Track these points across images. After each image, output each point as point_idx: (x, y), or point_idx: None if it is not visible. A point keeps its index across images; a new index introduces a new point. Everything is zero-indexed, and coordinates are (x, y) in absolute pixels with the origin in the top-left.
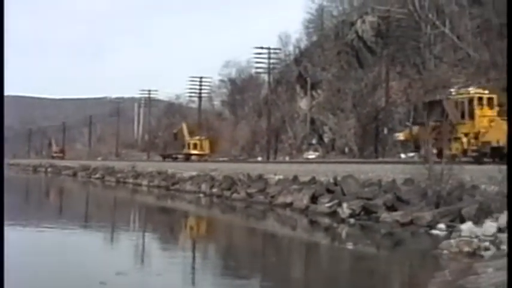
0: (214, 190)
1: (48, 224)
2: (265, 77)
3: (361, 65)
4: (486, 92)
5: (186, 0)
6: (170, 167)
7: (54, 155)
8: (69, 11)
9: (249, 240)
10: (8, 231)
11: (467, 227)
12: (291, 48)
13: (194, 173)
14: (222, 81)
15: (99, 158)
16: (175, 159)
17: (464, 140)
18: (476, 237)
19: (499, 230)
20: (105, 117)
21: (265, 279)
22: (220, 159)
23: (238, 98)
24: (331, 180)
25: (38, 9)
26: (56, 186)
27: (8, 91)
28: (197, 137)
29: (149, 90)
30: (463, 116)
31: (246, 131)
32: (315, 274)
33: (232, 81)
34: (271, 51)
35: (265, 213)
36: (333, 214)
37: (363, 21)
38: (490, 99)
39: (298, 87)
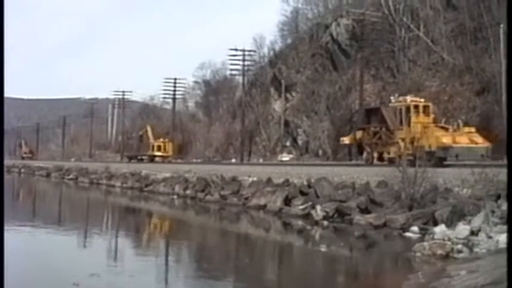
0: (188, 192)
1: (20, 225)
2: (240, 79)
3: (336, 67)
4: (422, 100)
5: (162, 1)
6: (144, 168)
7: (24, 155)
8: (43, 9)
9: (222, 242)
10: None
11: (440, 229)
12: (265, 50)
13: (168, 175)
14: (196, 82)
15: (73, 159)
16: (140, 160)
17: (402, 144)
18: (449, 239)
19: (472, 232)
20: (79, 118)
21: (237, 280)
22: (194, 160)
23: (212, 100)
24: (305, 183)
25: (11, 7)
26: (29, 187)
27: None
28: (161, 140)
29: (123, 91)
30: (401, 123)
31: (220, 132)
32: (287, 275)
33: (206, 82)
34: (246, 53)
35: (238, 215)
36: (306, 216)
37: (338, 24)
38: (425, 107)
39: (272, 90)
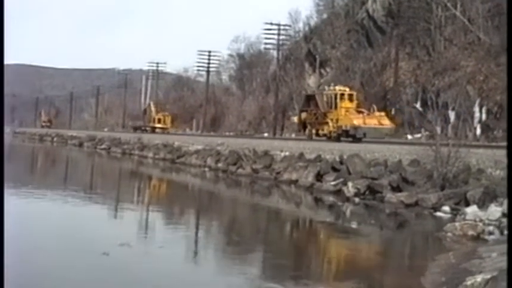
0: (220, 165)
1: (52, 193)
2: (274, 53)
3: (371, 44)
4: (347, 89)
5: None
6: (176, 140)
7: (43, 124)
8: None
9: (252, 216)
10: (10, 199)
11: (472, 210)
12: (300, 25)
13: (200, 147)
14: (230, 55)
15: (106, 129)
16: (144, 131)
17: (331, 124)
18: (481, 221)
19: (504, 214)
20: (113, 88)
21: (266, 252)
22: (227, 134)
23: (246, 74)
24: (337, 159)
25: None
26: (62, 156)
27: (17, 60)
28: (161, 114)
29: (157, 63)
30: (330, 107)
31: (253, 106)
32: (316, 252)
33: (240, 56)
34: (281, 27)
35: (270, 190)
36: (337, 192)
37: (374, 1)
38: (350, 95)
39: (306, 65)
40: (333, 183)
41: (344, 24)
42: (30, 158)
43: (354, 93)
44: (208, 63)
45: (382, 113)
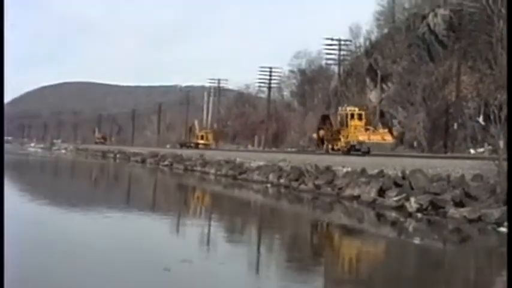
0: (282, 181)
1: (117, 209)
2: (335, 68)
3: (432, 58)
4: (357, 109)
5: None
6: (238, 156)
7: (97, 140)
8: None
9: (315, 232)
10: (74, 216)
11: None
12: (361, 40)
13: (262, 163)
14: (291, 71)
15: (168, 146)
16: (189, 147)
17: (342, 140)
18: None
19: None
20: (175, 105)
21: (328, 271)
22: (288, 149)
23: (307, 89)
24: (399, 174)
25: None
26: (126, 173)
27: (80, 78)
28: (203, 131)
29: (219, 80)
30: (342, 125)
31: (315, 122)
32: (381, 269)
33: (302, 71)
34: (342, 42)
35: (332, 205)
36: (400, 208)
37: (435, 15)
38: (359, 114)
39: (368, 80)
40: (395, 198)
41: (405, 38)
42: (95, 175)
43: (363, 112)
44: (270, 79)
45: (386, 130)
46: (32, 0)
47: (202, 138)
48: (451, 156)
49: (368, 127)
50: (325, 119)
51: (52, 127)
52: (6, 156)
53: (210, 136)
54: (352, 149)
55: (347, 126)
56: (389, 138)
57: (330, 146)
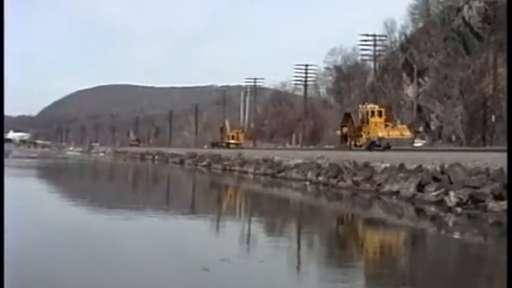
0: (321, 178)
1: (157, 210)
2: (371, 64)
3: (468, 51)
4: (377, 107)
5: None
6: (276, 154)
7: (132, 143)
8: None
9: (355, 229)
10: (119, 218)
11: None
12: (396, 35)
13: (300, 161)
14: (327, 68)
15: (205, 146)
16: (221, 146)
17: (364, 136)
18: None
19: None
20: (211, 105)
21: (370, 269)
22: (326, 146)
23: (343, 86)
24: (438, 169)
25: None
26: (165, 174)
27: (117, 81)
28: (235, 131)
29: (255, 79)
30: (363, 122)
31: None
32: (421, 263)
33: (337, 68)
34: (377, 38)
35: (371, 202)
36: (439, 203)
37: (470, 7)
38: (379, 112)
39: (404, 75)
40: (434, 193)
41: (440, 32)
42: (135, 177)
43: (383, 109)
44: (306, 77)
45: (404, 126)
46: (72, 7)
47: (233, 138)
48: (489, 149)
49: (388, 123)
50: (347, 116)
51: (90, 130)
52: (46, 161)
53: (241, 136)
54: (373, 145)
55: (368, 123)
56: (407, 134)
57: (352, 143)
